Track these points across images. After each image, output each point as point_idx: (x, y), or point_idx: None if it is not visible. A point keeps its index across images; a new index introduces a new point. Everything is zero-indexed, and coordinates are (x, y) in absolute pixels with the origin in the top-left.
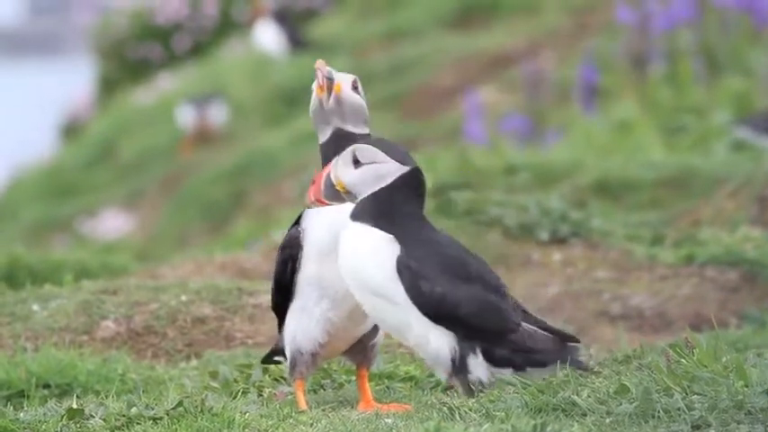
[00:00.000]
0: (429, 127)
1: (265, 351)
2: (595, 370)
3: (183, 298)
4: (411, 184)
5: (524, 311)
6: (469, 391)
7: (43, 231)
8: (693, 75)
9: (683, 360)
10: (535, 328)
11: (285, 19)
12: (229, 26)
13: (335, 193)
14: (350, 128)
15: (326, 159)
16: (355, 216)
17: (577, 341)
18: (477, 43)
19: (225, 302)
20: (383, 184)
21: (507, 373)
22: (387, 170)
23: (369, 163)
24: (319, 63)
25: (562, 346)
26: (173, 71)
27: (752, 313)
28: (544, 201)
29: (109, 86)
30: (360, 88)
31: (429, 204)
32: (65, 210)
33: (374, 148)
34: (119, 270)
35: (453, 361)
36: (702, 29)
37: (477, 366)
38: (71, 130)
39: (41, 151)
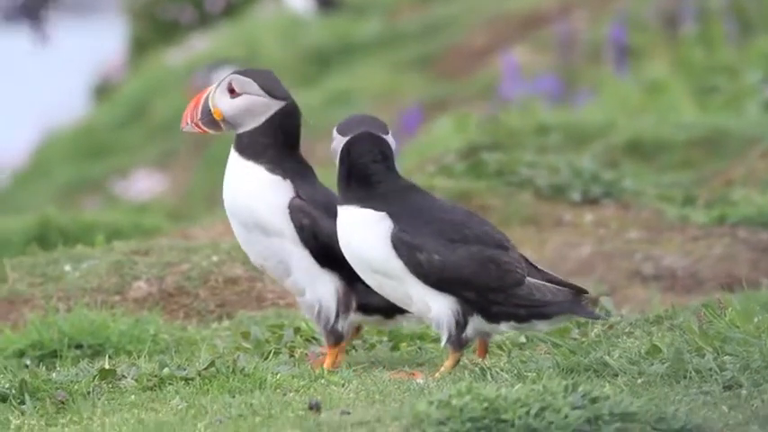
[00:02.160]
0: (461, 87)
1: (296, 312)
2: (604, 317)
3: (215, 258)
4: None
5: (533, 266)
6: (460, 347)
7: (75, 192)
8: (725, 35)
9: (714, 320)
10: (543, 282)
11: None
12: None
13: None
14: (249, 128)
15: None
16: (345, 199)
17: (586, 292)
18: (508, 3)
19: None
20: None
21: (509, 328)
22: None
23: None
24: (184, 118)
25: (572, 297)
26: (204, 32)
27: None
28: (576, 161)
29: (141, 47)
30: (238, 85)
31: (460, 166)
32: (97, 170)
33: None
34: (151, 230)
35: (457, 322)
36: None
37: (475, 324)
38: (103, 91)
39: (74, 112)
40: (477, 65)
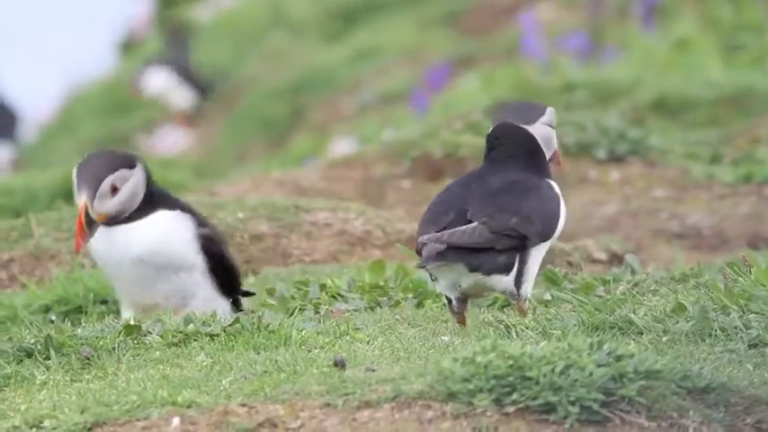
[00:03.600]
0: (487, 44)
1: (322, 268)
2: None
3: (241, 215)
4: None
5: None
6: None
7: (101, 147)
8: None
9: (740, 279)
10: None
11: None
12: None
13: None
14: (135, 206)
15: None
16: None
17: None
18: None
19: (282, 219)
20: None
21: None
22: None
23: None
24: (78, 244)
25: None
26: None
27: None
28: (602, 119)
29: (168, 3)
30: (119, 181)
31: (487, 122)
32: (123, 126)
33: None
34: (176, 186)
35: None
36: None
37: None
38: (129, 46)
39: (100, 67)
40: (505, 22)
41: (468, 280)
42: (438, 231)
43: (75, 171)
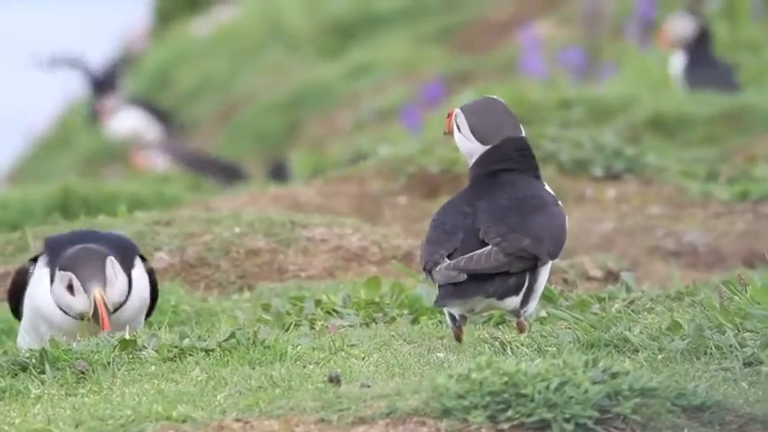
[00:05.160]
0: (484, 61)
1: (318, 284)
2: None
3: (237, 230)
4: None
5: None
6: None
7: (97, 161)
8: (750, 10)
9: (735, 297)
10: None
11: None
12: None
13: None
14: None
15: None
16: None
17: None
18: None
19: (278, 235)
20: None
21: None
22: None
23: (115, 268)
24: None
25: None
26: (229, 1)
27: None
28: (598, 136)
29: (165, 17)
30: (114, 267)
31: None
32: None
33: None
34: (172, 201)
35: None
36: None
37: None
38: (126, 61)
39: None
40: (501, 38)
41: (482, 305)
42: (449, 254)
43: (68, 276)
